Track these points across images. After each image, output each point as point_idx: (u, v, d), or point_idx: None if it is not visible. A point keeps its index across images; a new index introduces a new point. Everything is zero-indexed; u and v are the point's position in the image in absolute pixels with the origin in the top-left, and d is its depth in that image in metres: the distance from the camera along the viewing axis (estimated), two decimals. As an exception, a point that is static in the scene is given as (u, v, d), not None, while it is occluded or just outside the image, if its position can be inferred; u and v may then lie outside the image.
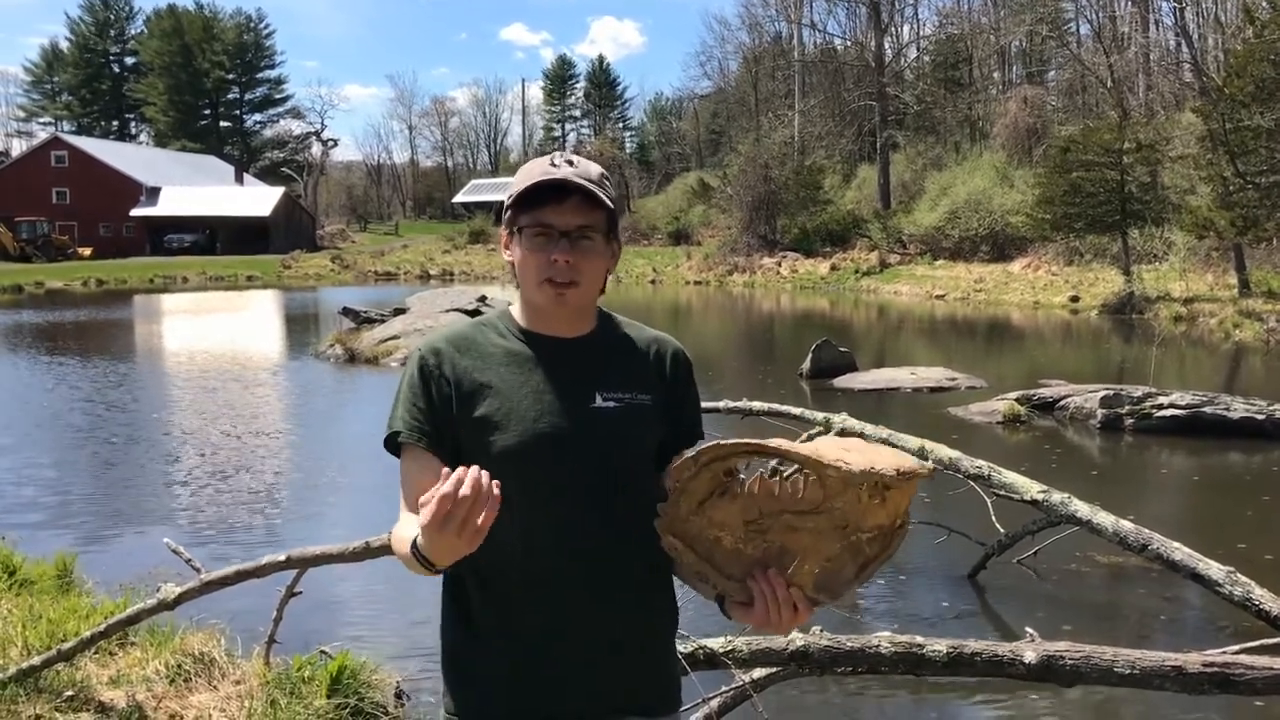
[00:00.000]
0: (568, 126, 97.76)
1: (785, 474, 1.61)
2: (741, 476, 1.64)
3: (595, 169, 1.80)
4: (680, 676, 1.94)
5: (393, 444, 1.81)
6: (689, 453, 1.65)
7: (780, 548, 1.61)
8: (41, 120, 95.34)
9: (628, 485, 1.80)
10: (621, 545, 1.76)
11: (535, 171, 1.77)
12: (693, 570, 1.68)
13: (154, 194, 63.05)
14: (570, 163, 1.78)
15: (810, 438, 6.60)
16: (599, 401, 1.80)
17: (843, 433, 6.48)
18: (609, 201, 1.79)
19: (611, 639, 1.77)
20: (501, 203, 1.87)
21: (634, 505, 1.80)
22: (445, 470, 1.46)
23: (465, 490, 1.41)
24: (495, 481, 1.44)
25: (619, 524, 1.77)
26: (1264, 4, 22.87)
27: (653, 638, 1.85)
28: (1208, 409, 10.68)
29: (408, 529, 1.65)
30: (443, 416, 1.77)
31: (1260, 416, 10.50)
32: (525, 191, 1.76)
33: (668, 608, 1.88)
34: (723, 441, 1.60)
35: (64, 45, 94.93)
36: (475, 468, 1.44)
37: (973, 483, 6.12)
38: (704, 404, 7.15)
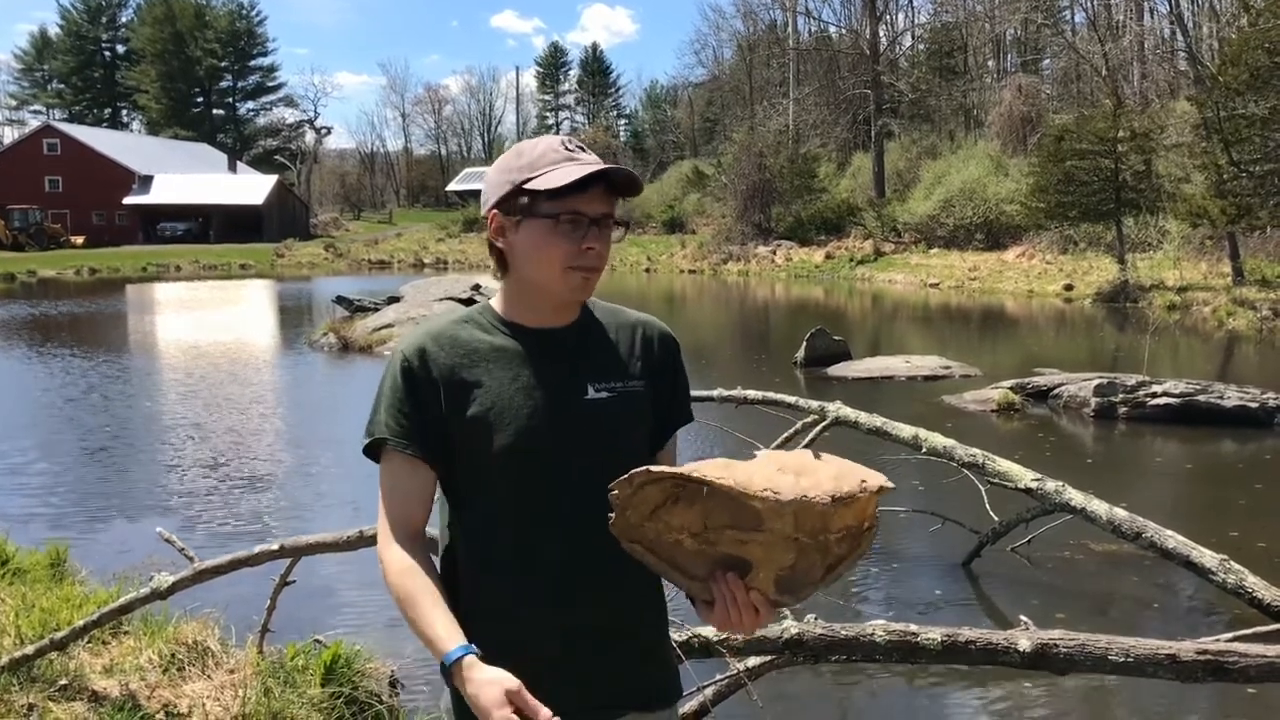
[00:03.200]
0: (561, 114, 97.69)
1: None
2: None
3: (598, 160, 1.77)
4: (676, 667, 1.93)
5: (374, 450, 1.75)
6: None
7: (734, 550, 1.57)
8: (33, 108, 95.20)
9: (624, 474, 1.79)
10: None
11: (554, 156, 1.71)
12: (658, 571, 1.66)
13: (147, 182, 62.89)
14: (581, 149, 1.74)
15: (809, 428, 6.59)
16: (591, 393, 1.76)
17: (837, 421, 6.47)
18: (637, 188, 1.77)
19: (614, 636, 1.75)
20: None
21: None
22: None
23: None
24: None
25: None
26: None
27: (651, 631, 1.84)
28: (1201, 397, 10.70)
29: (435, 614, 1.64)
30: (431, 420, 1.71)
31: (1254, 405, 10.53)
32: (572, 181, 1.67)
33: (660, 599, 1.87)
34: (653, 469, 1.56)
35: (54, 32, 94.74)
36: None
37: (967, 471, 6.12)
38: (698, 392, 7.10)
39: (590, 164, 1.71)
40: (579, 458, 1.72)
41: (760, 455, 1.61)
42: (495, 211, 1.75)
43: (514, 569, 1.71)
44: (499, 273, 1.80)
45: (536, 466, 1.71)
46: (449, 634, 1.58)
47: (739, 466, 1.55)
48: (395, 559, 1.69)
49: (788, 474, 1.52)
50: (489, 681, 1.53)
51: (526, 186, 1.70)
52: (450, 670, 1.56)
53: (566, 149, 1.72)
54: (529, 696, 1.50)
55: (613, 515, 1.61)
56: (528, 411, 1.71)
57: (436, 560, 1.79)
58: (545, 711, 1.48)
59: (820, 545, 1.55)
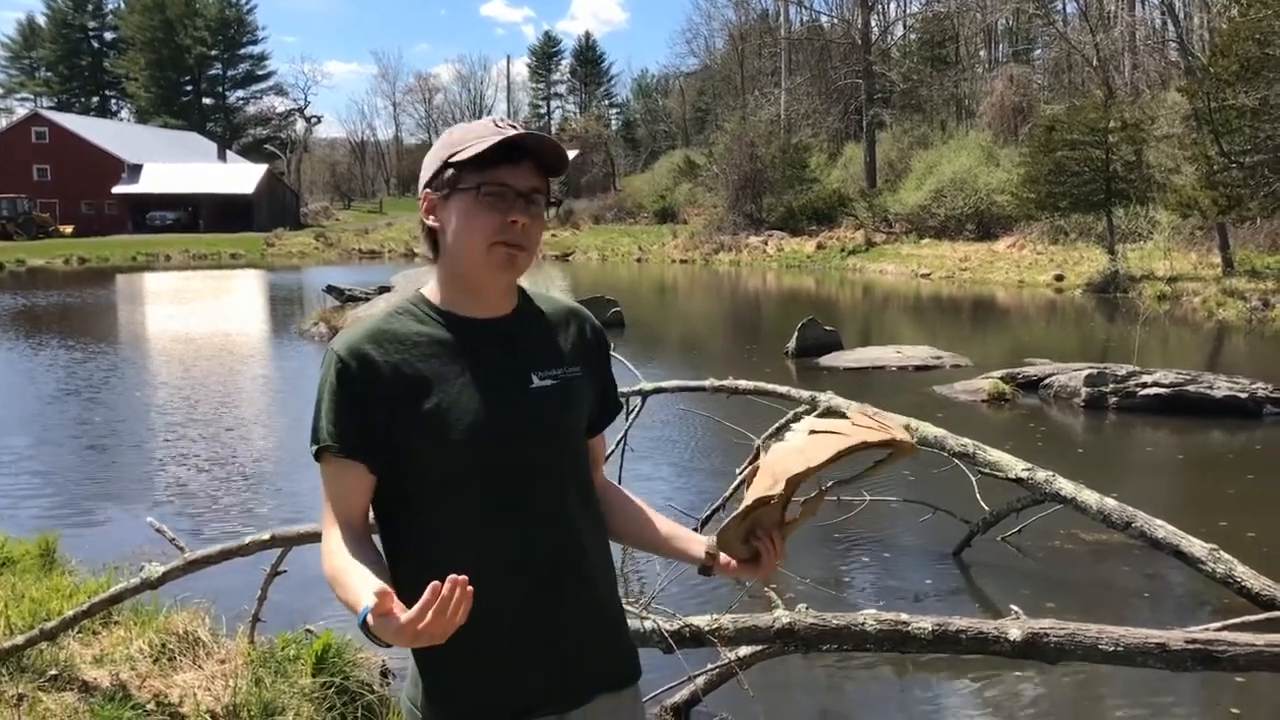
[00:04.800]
0: (553, 104, 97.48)
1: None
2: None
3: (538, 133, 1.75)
4: (635, 645, 1.92)
5: (320, 457, 1.71)
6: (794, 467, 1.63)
7: (769, 507, 1.67)
8: (20, 96, 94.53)
9: (574, 462, 1.79)
10: (576, 523, 1.76)
11: (482, 131, 1.69)
12: (722, 543, 1.74)
13: (136, 171, 62.59)
14: (513, 126, 1.71)
15: (800, 418, 6.59)
16: (536, 381, 1.74)
17: (829, 411, 6.48)
18: (563, 161, 1.75)
19: (575, 621, 1.75)
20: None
21: (581, 481, 1.80)
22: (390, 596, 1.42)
23: (436, 608, 1.37)
24: (462, 579, 1.38)
25: (571, 502, 1.76)
26: (1250, -17, 22.85)
27: (609, 612, 1.84)
28: (1191, 387, 10.72)
29: (354, 580, 1.57)
30: (371, 422, 1.66)
31: (1243, 395, 10.56)
32: (489, 149, 1.66)
33: (614, 580, 1.88)
34: (869, 438, 1.63)
35: (41, 20, 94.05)
36: (442, 586, 1.37)
37: (958, 461, 6.13)
38: (689, 382, 7.09)
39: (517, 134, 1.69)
40: (530, 446, 1.72)
41: (856, 415, 1.72)
42: (427, 190, 1.74)
43: (475, 564, 1.65)
44: (431, 256, 1.77)
45: (489, 458, 1.68)
46: (362, 593, 1.51)
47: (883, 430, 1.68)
48: (329, 548, 1.67)
49: (893, 428, 1.68)
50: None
51: (452, 160, 1.69)
52: (365, 627, 1.46)
53: (497, 125, 1.71)
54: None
55: (776, 496, 1.64)
56: (475, 404, 1.68)
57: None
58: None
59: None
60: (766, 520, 1.69)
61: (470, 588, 1.39)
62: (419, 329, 1.72)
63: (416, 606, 1.37)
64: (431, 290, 1.78)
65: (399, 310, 1.76)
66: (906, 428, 6.08)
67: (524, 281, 1.84)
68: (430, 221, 1.74)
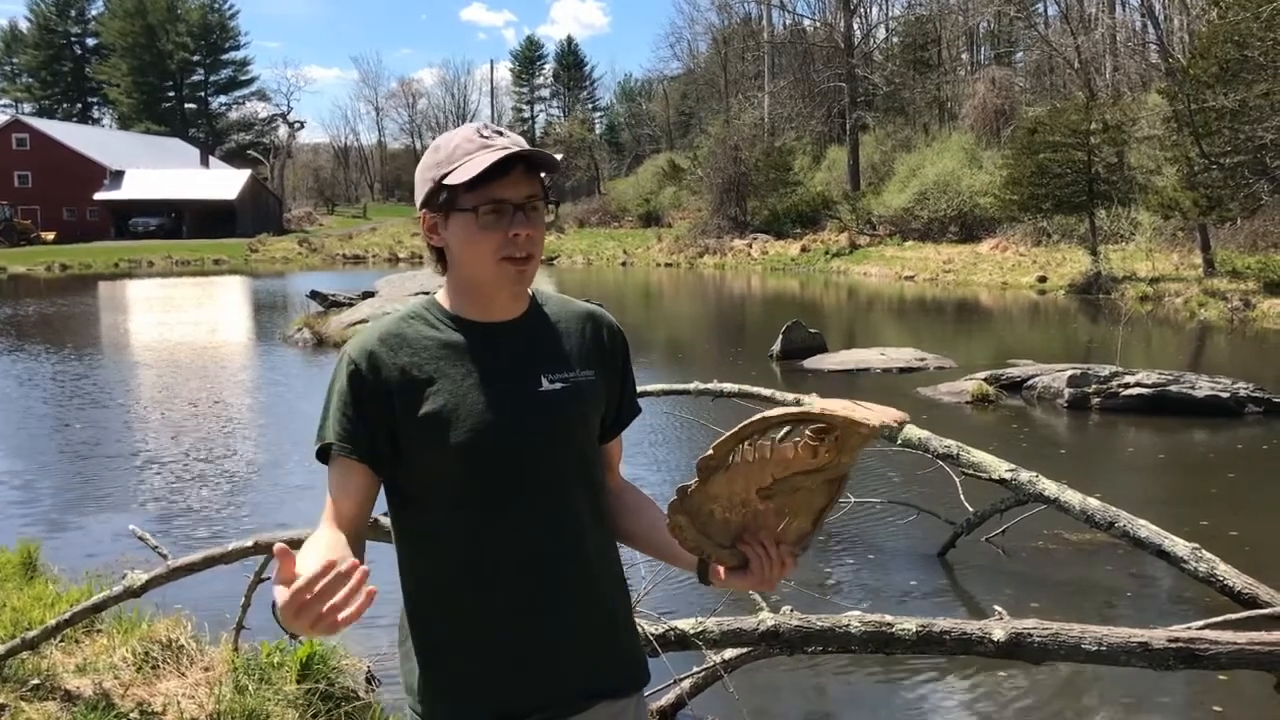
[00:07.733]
0: (536, 108, 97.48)
1: (796, 438, 1.60)
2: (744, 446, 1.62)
3: (520, 138, 1.73)
4: (643, 653, 1.91)
5: (324, 454, 1.73)
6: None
7: (756, 512, 1.62)
8: (1, 103, 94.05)
9: (583, 466, 1.78)
10: (581, 528, 1.75)
11: (469, 146, 1.68)
12: (691, 545, 1.65)
13: (118, 177, 62.30)
14: (499, 133, 1.70)
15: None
16: (545, 384, 1.74)
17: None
18: (555, 166, 1.73)
19: (577, 626, 1.74)
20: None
21: (589, 485, 1.79)
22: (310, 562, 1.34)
23: (327, 581, 1.30)
24: (363, 569, 1.33)
25: (577, 507, 1.75)
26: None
27: (614, 618, 1.82)
28: (1173, 388, 10.78)
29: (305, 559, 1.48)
30: (378, 424, 1.68)
31: (1225, 395, 10.62)
32: (482, 171, 1.64)
33: (623, 586, 1.87)
34: (768, 414, 1.55)
35: (23, 26, 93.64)
36: (349, 562, 1.33)
37: (942, 462, 6.16)
38: (674, 385, 7.12)
39: (501, 148, 1.67)
40: (537, 449, 1.71)
41: (821, 401, 1.62)
42: (425, 211, 1.74)
43: (480, 565, 1.69)
44: (439, 270, 1.78)
45: (495, 461, 1.69)
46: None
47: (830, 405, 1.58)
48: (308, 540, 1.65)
49: (858, 409, 1.57)
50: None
51: (445, 182, 1.68)
52: (275, 614, 1.36)
53: (481, 136, 1.69)
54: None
55: (688, 487, 1.59)
56: (482, 405, 1.68)
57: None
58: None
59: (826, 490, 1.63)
60: (755, 524, 1.63)
61: (373, 588, 1.34)
62: (430, 333, 1.74)
63: (305, 578, 1.29)
64: (443, 295, 1.79)
65: (411, 314, 1.77)
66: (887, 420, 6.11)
67: None
68: (435, 241, 1.75)
